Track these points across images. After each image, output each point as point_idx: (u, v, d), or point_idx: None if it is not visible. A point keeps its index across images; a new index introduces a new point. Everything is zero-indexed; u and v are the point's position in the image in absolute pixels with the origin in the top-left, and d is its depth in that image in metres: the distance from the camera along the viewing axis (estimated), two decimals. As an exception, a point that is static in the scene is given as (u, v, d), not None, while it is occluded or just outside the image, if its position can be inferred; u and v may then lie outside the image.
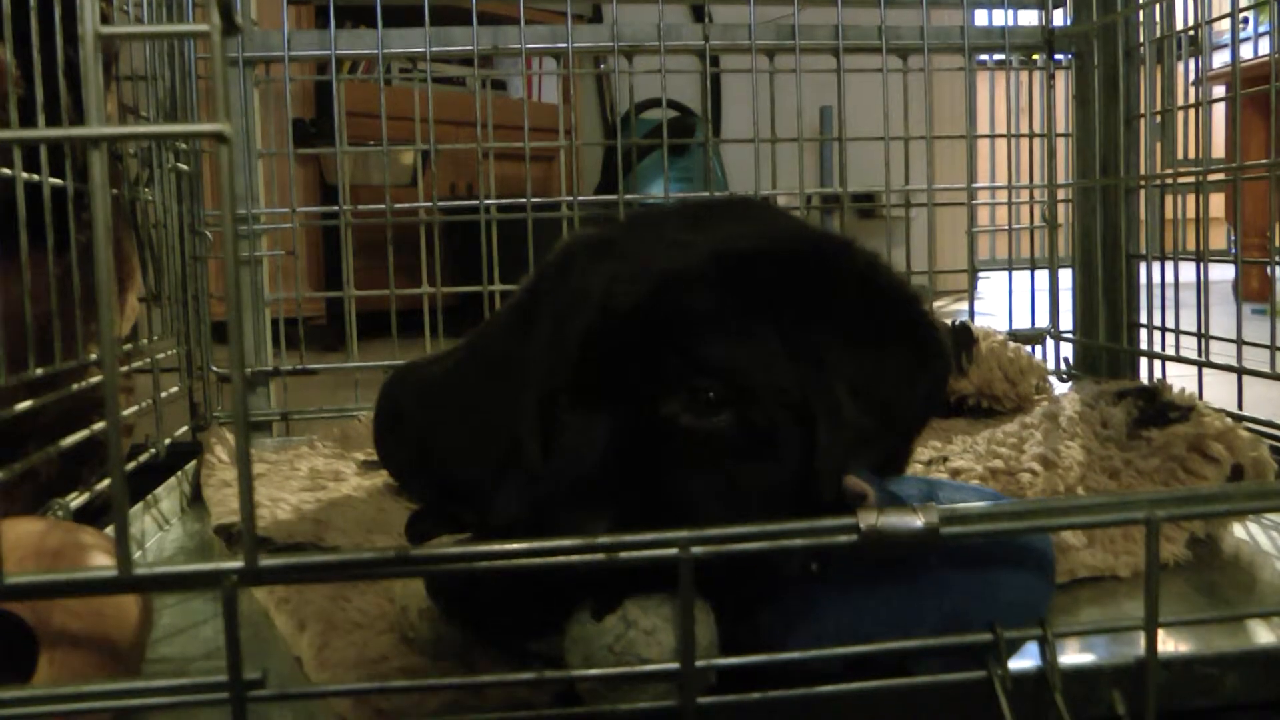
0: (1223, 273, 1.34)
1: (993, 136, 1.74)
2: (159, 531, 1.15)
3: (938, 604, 0.65)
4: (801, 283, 0.73)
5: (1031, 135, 1.72)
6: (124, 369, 1.23)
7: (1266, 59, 1.27)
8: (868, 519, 0.56)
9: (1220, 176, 1.38)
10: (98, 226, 0.52)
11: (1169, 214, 1.51)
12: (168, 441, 1.27)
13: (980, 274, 1.81)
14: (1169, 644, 0.72)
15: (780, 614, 0.68)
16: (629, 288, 0.70)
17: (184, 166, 1.41)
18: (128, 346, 1.25)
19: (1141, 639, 0.61)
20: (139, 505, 1.12)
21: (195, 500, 1.27)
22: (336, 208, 1.60)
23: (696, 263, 0.71)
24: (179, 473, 1.26)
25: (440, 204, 1.60)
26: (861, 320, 0.74)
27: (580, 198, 1.59)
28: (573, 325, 0.71)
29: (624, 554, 0.54)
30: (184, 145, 1.41)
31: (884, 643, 0.62)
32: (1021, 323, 1.74)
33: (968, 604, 0.65)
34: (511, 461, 0.78)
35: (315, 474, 1.28)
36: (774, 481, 0.68)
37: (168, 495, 1.20)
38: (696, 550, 0.54)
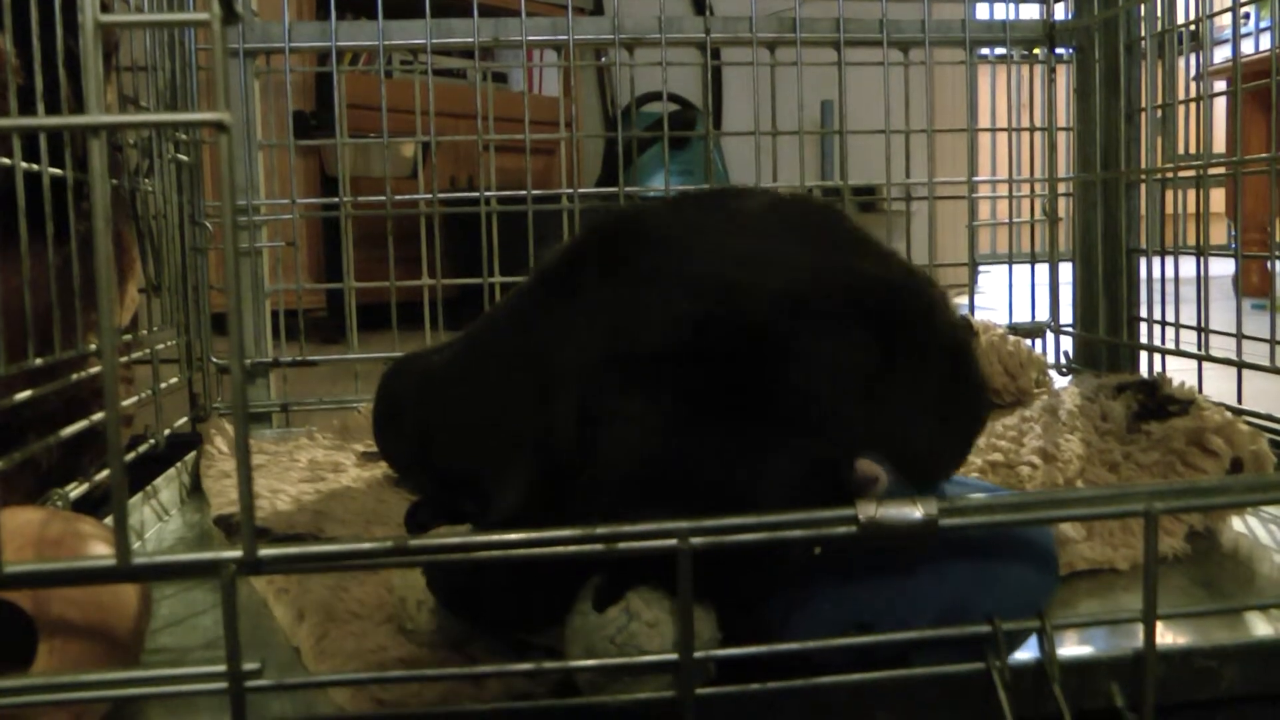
0: (1223, 268, 1.34)
1: (994, 130, 1.74)
2: (158, 522, 1.15)
3: (936, 598, 0.65)
4: (895, 330, 0.70)
5: (1032, 129, 1.72)
6: (123, 359, 1.23)
7: (1268, 54, 1.26)
8: (866, 510, 0.56)
9: (1221, 171, 1.38)
10: (97, 215, 0.51)
11: (1169, 209, 1.51)
12: (167, 432, 1.27)
13: (981, 268, 1.81)
14: (1168, 637, 0.72)
15: (779, 606, 0.68)
16: (747, 298, 0.67)
17: (184, 157, 1.41)
18: (127, 337, 1.25)
19: (1140, 631, 0.61)
20: (138, 496, 1.12)
21: (195, 491, 1.27)
22: (336, 199, 1.60)
23: (808, 289, 0.69)
24: (178, 464, 1.26)
25: (440, 196, 1.59)
26: (942, 383, 0.72)
27: (581, 190, 1.60)
28: (663, 319, 0.68)
29: (623, 545, 0.54)
30: (184, 136, 1.41)
31: (882, 635, 0.63)
32: (1022, 317, 1.74)
33: (966, 598, 0.65)
34: (528, 453, 0.76)
35: (315, 465, 1.28)
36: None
37: (167, 486, 1.21)
38: (695, 540, 0.54)
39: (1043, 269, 1.74)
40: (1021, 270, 1.75)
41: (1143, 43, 1.55)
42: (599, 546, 0.54)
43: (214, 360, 1.50)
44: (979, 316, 1.53)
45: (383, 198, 1.58)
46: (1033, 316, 1.75)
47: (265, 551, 0.54)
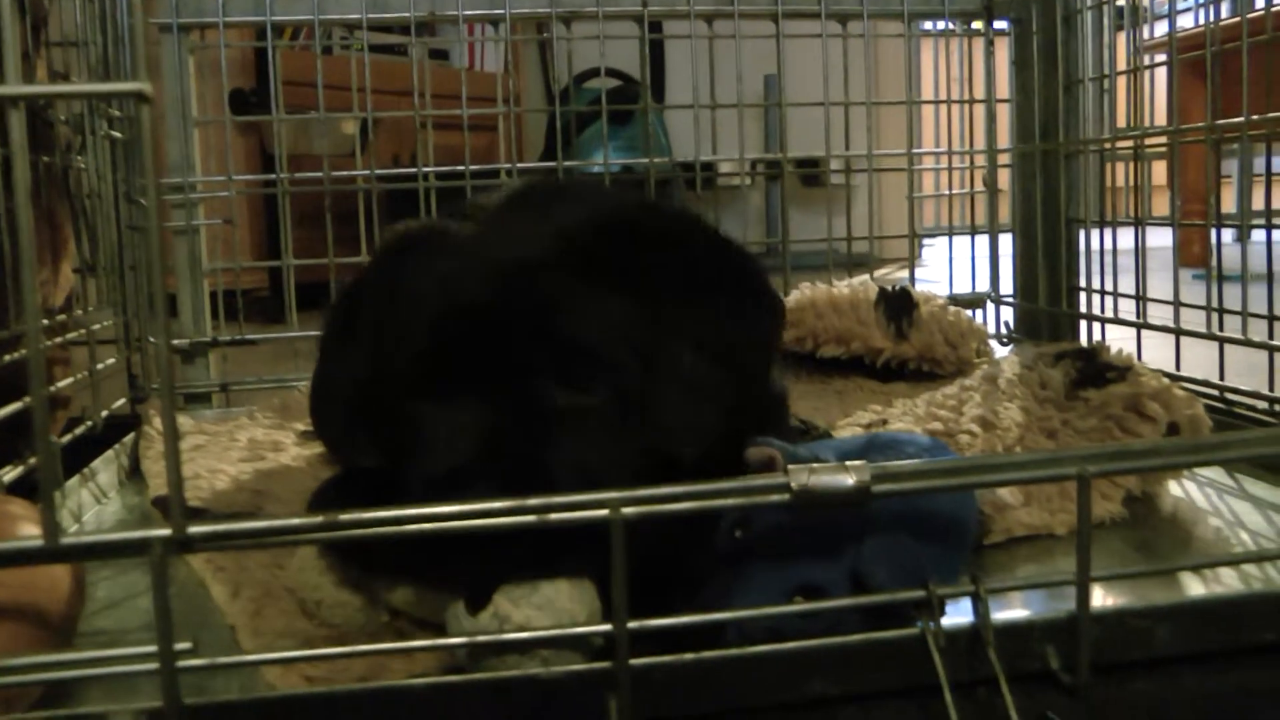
0: (1167, 239, 1.35)
1: (936, 102, 1.74)
2: (97, 505, 1.14)
3: (848, 566, 0.66)
4: (640, 251, 0.76)
5: (972, 101, 1.73)
6: (58, 340, 1.21)
7: (1203, 29, 1.27)
8: (799, 478, 0.56)
9: (1160, 141, 1.39)
10: (19, 190, 0.51)
11: (1114, 180, 1.52)
12: (105, 414, 1.25)
13: (926, 240, 1.82)
14: (1106, 599, 0.73)
15: (718, 585, 0.68)
16: (477, 279, 0.72)
17: (118, 134, 1.39)
18: (62, 317, 1.23)
19: (1074, 594, 0.62)
20: (75, 479, 1.11)
21: (134, 473, 1.26)
22: (274, 176, 1.58)
23: (538, 248, 0.74)
24: (117, 445, 1.24)
25: (378, 173, 1.58)
26: (697, 276, 0.78)
27: (520, 165, 1.59)
28: (416, 321, 0.72)
29: (554, 515, 0.54)
30: (117, 112, 1.38)
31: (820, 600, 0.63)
32: (963, 288, 1.75)
33: (877, 569, 0.65)
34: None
35: (254, 444, 1.26)
36: (655, 446, 0.70)
37: (105, 468, 1.19)
38: (627, 511, 0.54)
39: (983, 240, 1.74)
40: (962, 241, 1.76)
41: (1082, 15, 1.56)
42: (531, 518, 0.54)
43: (152, 340, 1.48)
44: (920, 288, 1.53)
45: (321, 174, 1.57)
46: (973, 287, 1.75)
47: (194, 529, 0.53)
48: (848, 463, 0.57)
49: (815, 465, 0.56)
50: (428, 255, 0.77)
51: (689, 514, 0.56)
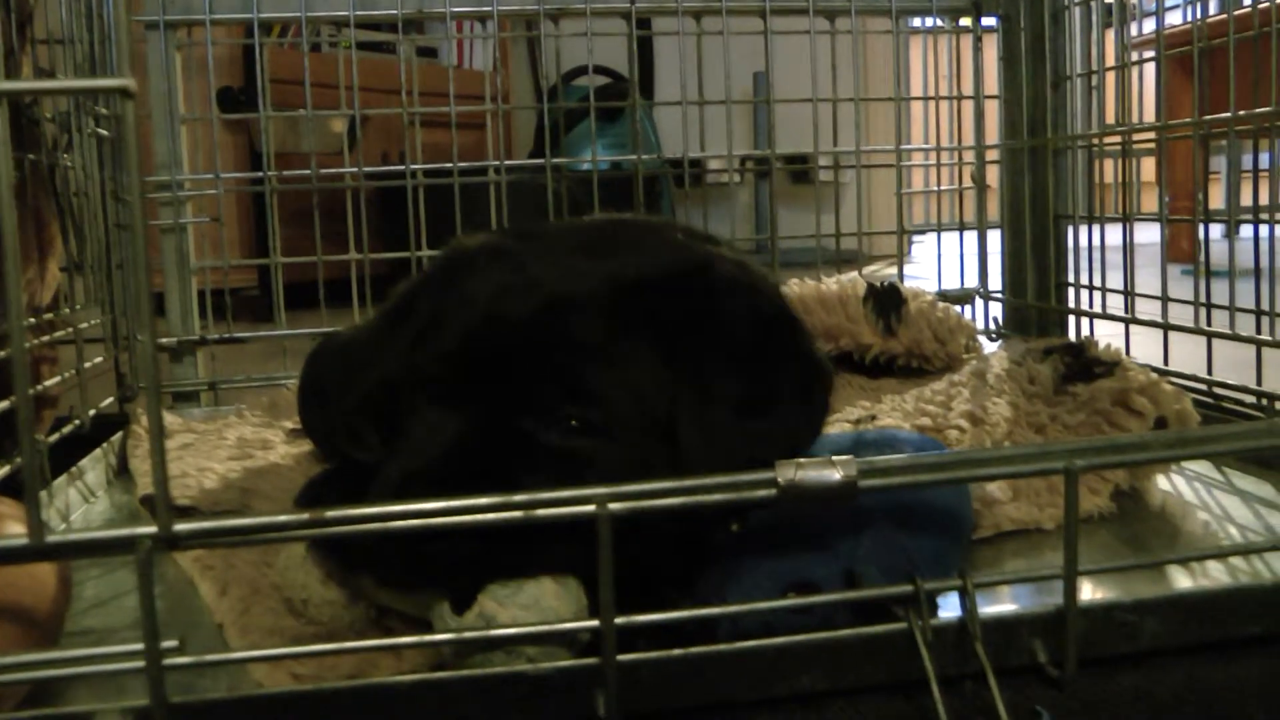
0: (1155, 235, 1.35)
1: (924, 99, 1.74)
2: (85, 504, 1.14)
3: (843, 565, 0.65)
4: (690, 313, 0.74)
5: (960, 97, 1.73)
6: (45, 339, 1.21)
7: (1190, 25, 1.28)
8: (786, 473, 0.56)
9: (1148, 137, 1.39)
10: (2, 187, 0.50)
11: (1105, 177, 1.52)
12: (93, 413, 1.25)
13: (916, 237, 1.81)
14: (1094, 593, 0.73)
15: (713, 580, 0.68)
16: (519, 300, 0.71)
17: (104, 132, 1.38)
18: (49, 316, 1.23)
19: (1062, 588, 0.62)
20: (63, 477, 1.10)
21: (123, 472, 1.26)
22: (262, 174, 1.58)
23: (587, 287, 0.73)
24: (105, 444, 1.24)
25: (366, 170, 1.58)
26: (750, 347, 0.76)
27: (508, 163, 1.58)
28: (452, 324, 0.72)
29: (541, 511, 0.54)
30: (104, 110, 1.38)
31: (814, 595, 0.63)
32: (952, 284, 1.75)
33: (871, 566, 0.65)
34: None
35: (243, 442, 1.26)
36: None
37: (93, 467, 1.19)
38: (614, 506, 0.54)
39: (971, 236, 1.75)
40: (951, 238, 1.76)
41: (1070, 11, 1.56)
42: (517, 514, 0.53)
43: (140, 339, 1.48)
44: (909, 284, 1.53)
45: (309, 172, 1.56)
46: (962, 283, 1.75)
47: (181, 526, 0.53)
48: (834, 458, 0.57)
49: (802, 460, 0.56)
50: (487, 267, 0.76)
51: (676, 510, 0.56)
